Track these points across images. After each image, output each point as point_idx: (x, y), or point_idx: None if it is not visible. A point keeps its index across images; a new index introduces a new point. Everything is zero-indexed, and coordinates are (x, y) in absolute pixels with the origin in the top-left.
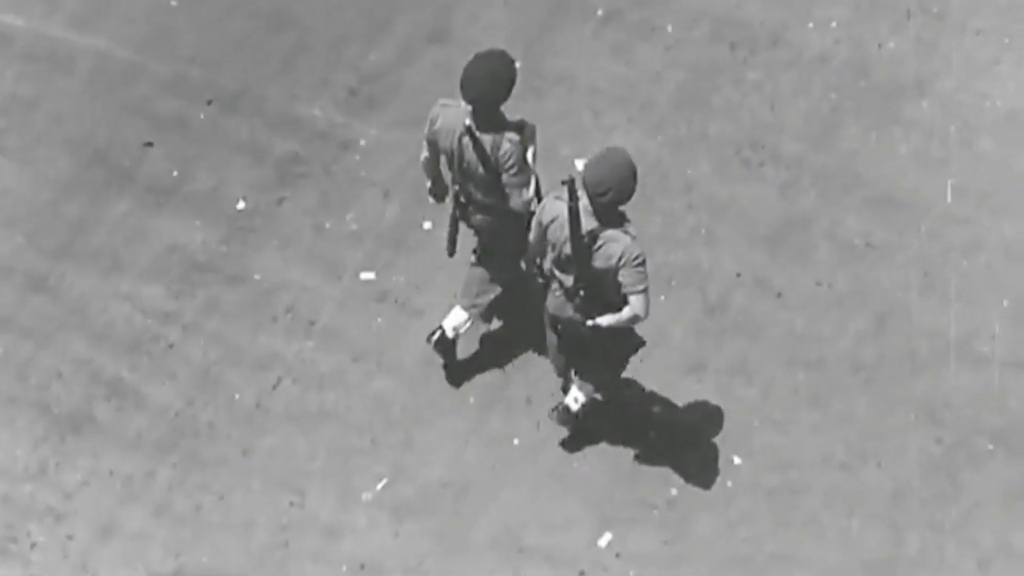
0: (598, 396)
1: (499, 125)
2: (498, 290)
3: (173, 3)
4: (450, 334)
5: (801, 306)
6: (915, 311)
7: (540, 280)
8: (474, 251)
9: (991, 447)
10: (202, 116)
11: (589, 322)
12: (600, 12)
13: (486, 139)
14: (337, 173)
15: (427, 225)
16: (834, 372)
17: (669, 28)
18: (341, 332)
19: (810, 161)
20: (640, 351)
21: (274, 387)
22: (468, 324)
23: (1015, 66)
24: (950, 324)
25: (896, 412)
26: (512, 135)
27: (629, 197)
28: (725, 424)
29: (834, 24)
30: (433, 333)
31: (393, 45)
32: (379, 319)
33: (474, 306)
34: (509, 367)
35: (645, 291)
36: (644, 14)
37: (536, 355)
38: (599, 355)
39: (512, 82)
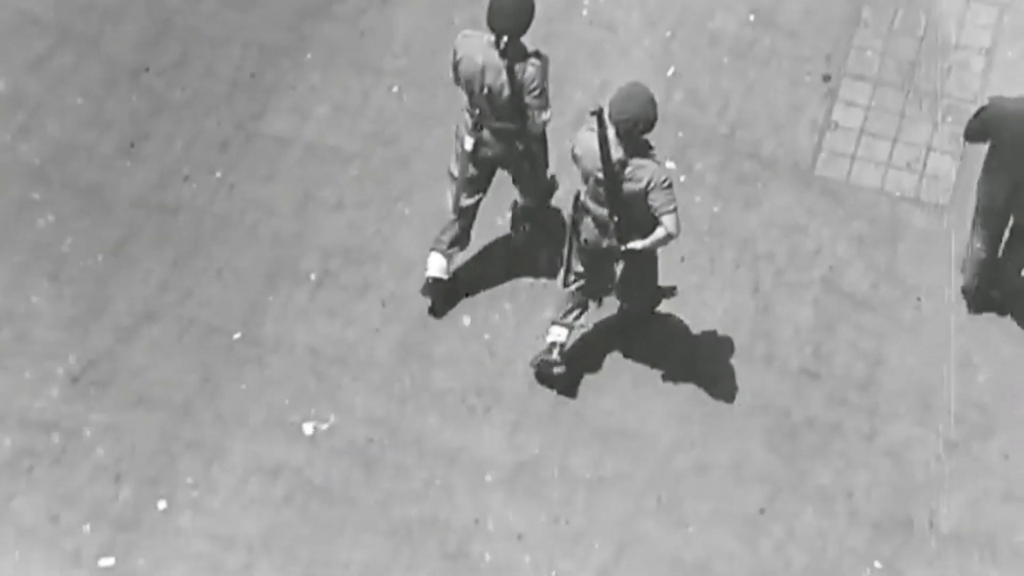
0: (574, 326)
1: (522, 52)
2: (455, 227)
3: None
4: (439, 275)
5: (541, 544)
6: (653, 538)
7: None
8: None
9: None
10: None
11: (624, 247)
12: (313, 276)
13: (512, 64)
14: (66, 461)
15: (162, 505)
16: None
17: (384, 284)
18: None
19: (533, 402)
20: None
21: None
22: (446, 261)
23: (719, 293)
24: (688, 548)
25: None
26: (535, 60)
27: (653, 125)
28: None
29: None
30: (425, 284)
31: (110, 328)
32: None
33: (440, 241)
34: None
35: (675, 210)
36: (357, 272)
37: None
38: (630, 284)
39: (533, 11)
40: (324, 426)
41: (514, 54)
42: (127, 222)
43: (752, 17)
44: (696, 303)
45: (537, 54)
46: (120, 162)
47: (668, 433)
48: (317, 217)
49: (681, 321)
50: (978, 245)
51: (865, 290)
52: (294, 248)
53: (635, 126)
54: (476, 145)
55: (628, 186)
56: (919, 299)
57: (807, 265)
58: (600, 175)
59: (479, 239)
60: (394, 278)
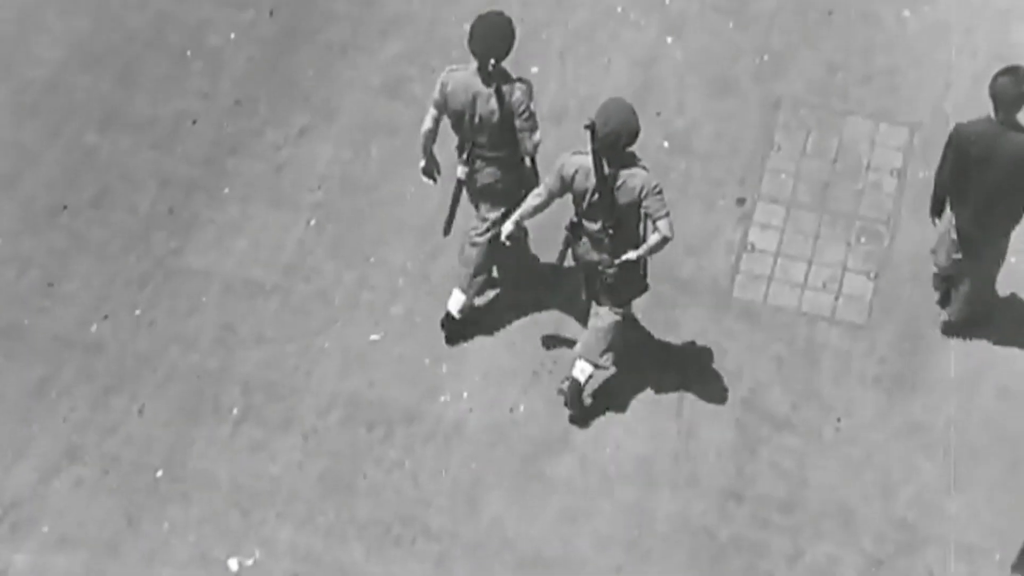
0: (601, 363)
1: (507, 77)
2: (487, 270)
3: None
4: (456, 316)
5: None
6: None
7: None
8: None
9: None
10: None
11: (618, 260)
12: (235, 411)
13: (500, 89)
14: None
15: None
16: None
17: (306, 418)
18: None
19: (459, 532)
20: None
21: None
22: (468, 303)
23: (641, 416)
24: None
25: None
26: (521, 84)
27: (637, 136)
28: None
29: (465, 395)
30: (444, 320)
31: (32, 468)
32: None
33: (470, 287)
34: None
35: (669, 214)
36: (278, 407)
37: None
38: (613, 296)
39: (514, 36)
40: (249, 562)
41: (501, 79)
42: (48, 361)
43: (666, 144)
44: (618, 427)
45: (520, 79)
46: (40, 301)
47: (593, 558)
48: (238, 352)
49: (604, 445)
50: (935, 269)
51: (786, 411)
52: (215, 383)
53: (619, 138)
54: (469, 174)
55: (622, 197)
56: (839, 419)
57: (728, 387)
58: (595, 190)
59: (399, 359)
60: (315, 412)
